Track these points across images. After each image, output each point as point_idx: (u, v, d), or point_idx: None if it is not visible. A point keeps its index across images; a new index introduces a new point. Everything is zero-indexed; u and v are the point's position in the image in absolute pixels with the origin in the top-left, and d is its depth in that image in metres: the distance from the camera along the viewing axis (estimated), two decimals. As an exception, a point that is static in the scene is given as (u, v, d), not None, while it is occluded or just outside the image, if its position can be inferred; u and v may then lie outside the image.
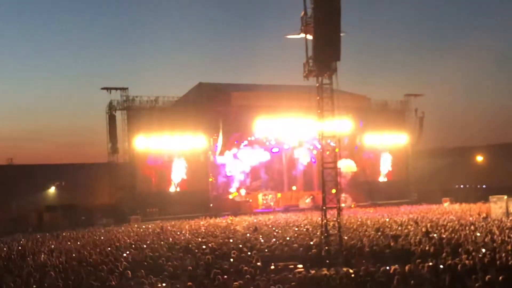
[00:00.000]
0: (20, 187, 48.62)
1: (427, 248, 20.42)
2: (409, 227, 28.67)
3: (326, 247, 21.79)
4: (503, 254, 17.57)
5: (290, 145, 55.86)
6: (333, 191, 25.78)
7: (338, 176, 25.23)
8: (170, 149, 50.76)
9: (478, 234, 23.76)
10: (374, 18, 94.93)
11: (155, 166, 50.42)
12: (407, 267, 15.85)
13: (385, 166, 60.26)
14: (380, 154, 59.96)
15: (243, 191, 53.71)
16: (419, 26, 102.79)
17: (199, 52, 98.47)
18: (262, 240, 25.12)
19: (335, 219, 24.56)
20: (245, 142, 53.92)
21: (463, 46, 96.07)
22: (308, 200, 54.22)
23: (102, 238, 30.91)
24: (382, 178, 60.13)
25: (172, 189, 50.95)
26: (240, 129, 52.76)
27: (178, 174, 51.06)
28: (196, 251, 22.04)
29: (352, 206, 51.65)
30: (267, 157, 55.33)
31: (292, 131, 53.91)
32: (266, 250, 21.59)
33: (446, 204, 48.71)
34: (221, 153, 52.80)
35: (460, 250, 19.43)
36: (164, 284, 15.59)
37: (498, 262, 16.31)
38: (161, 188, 50.73)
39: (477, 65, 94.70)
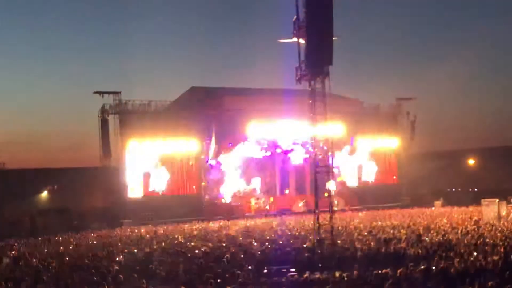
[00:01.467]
0: (12, 192, 48.43)
1: (419, 251, 20.49)
2: (401, 230, 28.72)
3: (319, 251, 21.84)
4: (495, 258, 17.64)
5: (283, 149, 55.89)
6: (326, 195, 25.91)
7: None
8: (163, 153, 50.71)
9: (470, 238, 23.84)
10: (367, 22, 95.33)
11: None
12: (399, 271, 15.90)
13: (374, 169, 60.40)
14: (371, 157, 60.13)
15: (228, 196, 53.57)
16: (411, 30, 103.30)
17: (192, 56, 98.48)
18: (255, 244, 25.14)
19: (327, 223, 24.65)
20: (238, 146, 53.90)
21: (455, 50, 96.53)
22: (301, 204, 54.25)
23: (94, 242, 30.85)
24: (372, 182, 60.26)
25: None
26: (233, 133, 52.75)
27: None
28: (189, 255, 22.04)
29: (346, 209, 51.65)
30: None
31: (285, 135, 53.99)
32: (259, 253, 21.60)
33: (438, 208, 48.82)
34: (214, 157, 52.78)
35: (452, 253, 19.50)
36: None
37: (490, 266, 16.37)
38: (150, 193, 50.58)
39: (469, 69, 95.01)
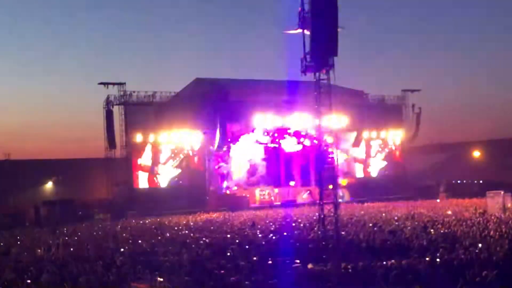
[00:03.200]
0: (17, 182, 48.57)
1: (424, 243, 20.46)
2: (406, 222, 28.69)
3: (324, 242, 21.83)
4: (500, 249, 17.60)
5: (287, 141, 55.85)
6: (330, 186, 25.88)
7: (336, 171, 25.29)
8: (167, 144, 50.78)
9: (475, 229, 23.78)
10: (372, 13, 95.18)
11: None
12: (404, 262, 15.88)
13: (379, 161, 60.38)
14: (376, 149, 60.10)
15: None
16: (416, 21, 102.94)
17: (196, 47, 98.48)
18: (260, 235, 25.14)
19: (332, 214, 24.62)
20: (243, 137, 53.88)
21: (461, 41, 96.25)
22: (305, 195, 54.25)
23: (99, 233, 30.92)
24: (376, 174, 60.25)
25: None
26: (237, 124, 52.72)
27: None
28: (193, 246, 22.06)
29: (350, 201, 51.58)
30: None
31: (290, 127, 53.95)
32: (263, 245, 21.60)
33: (443, 199, 48.73)
34: (219, 148, 52.74)
35: (456, 245, 19.46)
36: (161, 279, 15.59)
37: (494, 258, 16.33)
38: (155, 184, 50.65)
39: (474, 60, 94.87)
